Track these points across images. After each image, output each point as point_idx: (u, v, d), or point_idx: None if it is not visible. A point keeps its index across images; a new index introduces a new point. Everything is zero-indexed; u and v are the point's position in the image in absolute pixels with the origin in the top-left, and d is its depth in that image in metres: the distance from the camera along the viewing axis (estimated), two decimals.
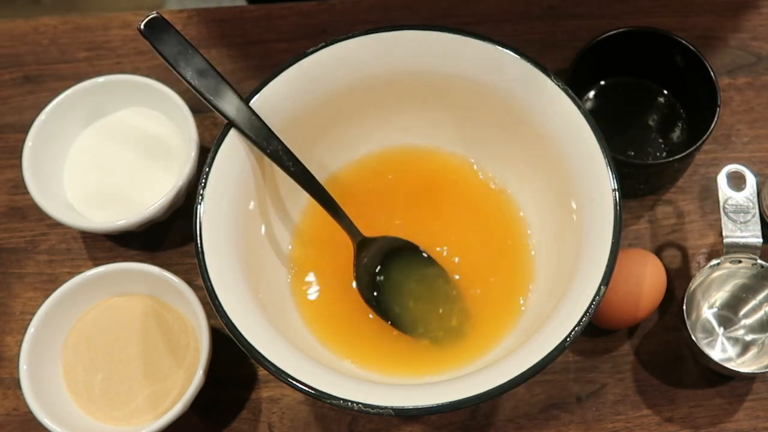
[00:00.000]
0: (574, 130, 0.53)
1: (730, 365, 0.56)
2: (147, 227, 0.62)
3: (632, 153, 0.64)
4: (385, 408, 0.45)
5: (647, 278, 0.57)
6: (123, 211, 0.62)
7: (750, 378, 0.59)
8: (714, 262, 0.58)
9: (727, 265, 0.58)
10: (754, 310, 0.59)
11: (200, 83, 0.52)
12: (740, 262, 0.58)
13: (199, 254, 0.49)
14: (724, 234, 0.58)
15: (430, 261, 0.58)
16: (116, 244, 0.65)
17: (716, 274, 0.59)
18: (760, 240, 0.57)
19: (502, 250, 0.59)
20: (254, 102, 0.54)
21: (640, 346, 0.61)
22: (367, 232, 0.57)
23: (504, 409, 0.59)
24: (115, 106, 0.66)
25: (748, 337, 0.59)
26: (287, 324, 0.54)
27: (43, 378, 0.56)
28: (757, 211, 0.58)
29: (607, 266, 0.48)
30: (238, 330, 0.48)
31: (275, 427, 0.59)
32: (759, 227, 0.58)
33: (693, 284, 0.57)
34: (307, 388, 0.46)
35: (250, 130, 0.53)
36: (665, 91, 0.66)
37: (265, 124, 0.53)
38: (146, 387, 0.57)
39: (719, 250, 0.61)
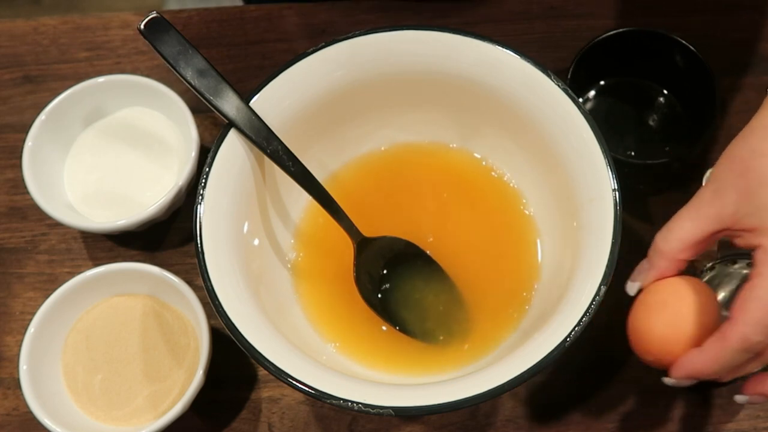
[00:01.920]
0: (574, 130, 0.53)
1: None
2: (147, 227, 0.62)
3: (632, 153, 0.64)
4: (385, 408, 0.45)
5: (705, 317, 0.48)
6: (123, 211, 0.62)
7: None
8: (710, 264, 0.57)
9: (725, 266, 0.58)
10: None
11: (200, 83, 0.52)
12: (736, 263, 0.57)
13: (199, 254, 0.49)
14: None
15: (431, 260, 0.58)
16: (116, 244, 0.65)
17: (715, 275, 0.59)
18: None
19: (505, 250, 0.59)
20: (254, 102, 0.54)
21: None
22: (368, 231, 0.57)
23: (504, 409, 0.59)
24: (115, 106, 0.66)
25: None
26: (287, 324, 0.54)
27: (43, 378, 0.56)
28: None
29: (607, 266, 0.48)
30: (238, 330, 0.48)
31: (275, 427, 0.59)
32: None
33: None
34: (307, 388, 0.46)
35: (250, 130, 0.53)
36: (665, 91, 0.66)
37: (265, 124, 0.53)
38: (146, 387, 0.57)
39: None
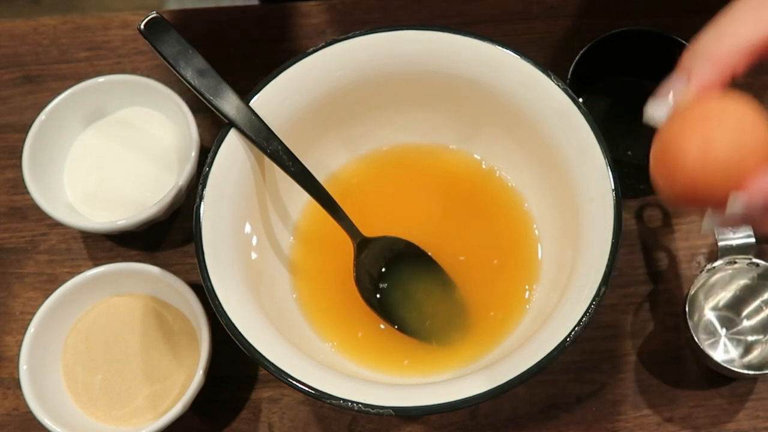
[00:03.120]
0: (574, 130, 0.53)
1: (733, 366, 0.56)
2: (147, 227, 0.62)
3: (632, 153, 0.64)
4: (385, 408, 0.45)
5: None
6: (123, 211, 0.62)
7: (752, 379, 0.59)
8: (710, 265, 0.57)
9: (725, 266, 0.58)
10: (756, 311, 0.59)
11: (200, 83, 0.53)
12: (735, 263, 0.57)
13: (199, 254, 0.49)
14: (717, 237, 0.57)
15: (431, 261, 0.58)
16: (116, 244, 0.65)
17: (717, 275, 0.59)
18: (753, 240, 0.57)
19: (505, 250, 0.59)
20: (254, 102, 0.54)
21: (640, 346, 0.61)
22: (368, 231, 0.57)
23: (504, 409, 0.59)
24: (115, 106, 0.66)
25: (751, 338, 0.59)
26: (287, 324, 0.54)
27: (43, 378, 0.56)
28: None
29: (607, 266, 0.48)
30: (238, 330, 0.48)
31: (275, 427, 0.59)
32: (750, 228, 0.57)
33: (694, 286, 0.57)
34: (307, 388, 0.46)
35: (250, 130, 0.53)
36: None
37: (265, 124, 0.53)
38: (146, 387, 0.57)
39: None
